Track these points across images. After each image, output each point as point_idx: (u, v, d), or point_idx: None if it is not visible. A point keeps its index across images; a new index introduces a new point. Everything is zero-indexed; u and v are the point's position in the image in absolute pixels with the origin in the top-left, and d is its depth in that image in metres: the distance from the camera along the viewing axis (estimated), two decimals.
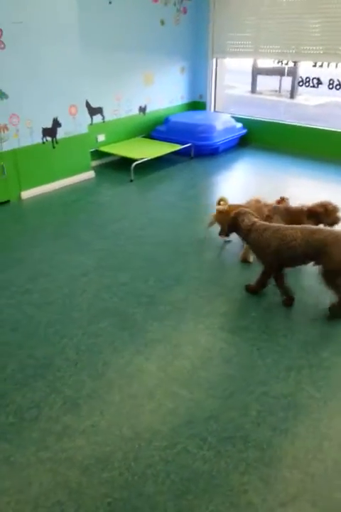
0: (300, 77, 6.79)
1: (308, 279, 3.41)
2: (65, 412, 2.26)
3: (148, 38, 6.39)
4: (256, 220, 3.10)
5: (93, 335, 2.82)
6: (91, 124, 5.91)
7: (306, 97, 11.49)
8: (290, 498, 1.83)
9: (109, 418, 2.22)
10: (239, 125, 6.88)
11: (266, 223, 3.09)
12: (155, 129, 6.80)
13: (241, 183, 5.63)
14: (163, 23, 6.53)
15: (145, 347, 2.71)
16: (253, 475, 1.93)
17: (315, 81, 6.33)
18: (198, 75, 7.34)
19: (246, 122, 7.00)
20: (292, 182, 5.34)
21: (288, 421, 2.18)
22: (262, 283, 3.15)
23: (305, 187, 5.14)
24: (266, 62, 11.43)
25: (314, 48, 6.03)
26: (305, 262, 3.04)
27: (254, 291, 3.20)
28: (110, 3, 5.67)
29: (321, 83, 6.28)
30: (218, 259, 3.49)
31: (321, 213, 3.41)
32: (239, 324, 2.91)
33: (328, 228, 3.02)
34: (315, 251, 2.85)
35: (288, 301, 3.09)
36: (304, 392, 2.35)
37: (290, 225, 3.02)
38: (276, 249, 2.93)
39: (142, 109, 6.71)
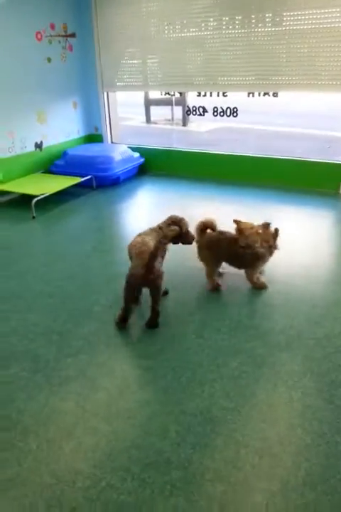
0: (188, 106, 7.23)
1: (211, 293, 3.58)
2: None
3: (37, 76, 6.35)
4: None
5: (3, 383, 2.69)
6: None
7: (197, 124, 12.13)
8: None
9: (28, 467, 2.13)
10: (137, 154, 7.06)
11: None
12: (54, 163, 6.73)
13: (144, 209, 5.76)
14: (49, 60, 6.53)
15: (61, 386, 2.64)
16: (179, 496, 1.96)
17: (201, 109, 6.77)
18: (91, 108, 7.42)
19: (143, 151, 7.21)
20: (191, 203, 5.57)
21: (206, 436, 2.26)
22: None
23: (204, 207, 5.40)
24: (157, 94, 11.94)
25: (198, 78, 6.43)
26: None
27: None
28: None
29: (207, 111, 6.73)
30: None
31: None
32: (153, 348, 2.96)
33: (139, 240, 3.14)
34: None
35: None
36: (218, 404, 2.46)
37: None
38: None
39: (38, 145, 6.61)
